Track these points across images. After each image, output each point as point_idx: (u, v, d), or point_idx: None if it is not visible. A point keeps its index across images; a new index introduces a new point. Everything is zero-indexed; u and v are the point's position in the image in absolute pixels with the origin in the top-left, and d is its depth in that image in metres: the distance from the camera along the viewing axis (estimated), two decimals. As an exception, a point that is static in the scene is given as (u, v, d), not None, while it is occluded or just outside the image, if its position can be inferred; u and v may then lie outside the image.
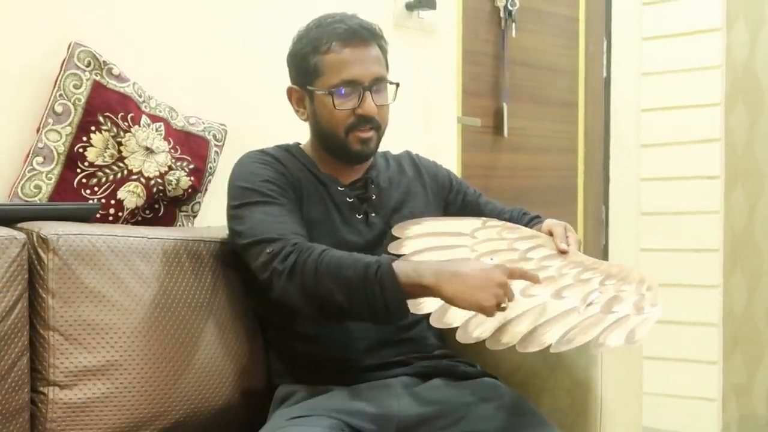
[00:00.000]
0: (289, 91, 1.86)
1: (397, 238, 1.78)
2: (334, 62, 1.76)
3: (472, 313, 1.57)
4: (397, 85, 1.83)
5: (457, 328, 1.59)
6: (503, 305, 1.51)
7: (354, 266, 1.55)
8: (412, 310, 1.58)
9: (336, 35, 1.76)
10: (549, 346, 1.55)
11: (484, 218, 1.90)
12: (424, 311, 1.62)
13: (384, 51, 1.83)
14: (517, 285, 1.59)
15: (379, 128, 1.81)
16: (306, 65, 1.79)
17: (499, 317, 1.58)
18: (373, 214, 1.83)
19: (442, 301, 1.55)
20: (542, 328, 1.57)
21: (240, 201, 1.74)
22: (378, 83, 1.78)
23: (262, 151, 1.83)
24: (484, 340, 1.57)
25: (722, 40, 3.49)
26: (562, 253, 1.80)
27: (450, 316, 1.60)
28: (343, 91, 1.76)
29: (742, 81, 3.58)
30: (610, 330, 1.58)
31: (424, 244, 1.76)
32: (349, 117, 1.77)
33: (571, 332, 1.57)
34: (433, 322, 1.61)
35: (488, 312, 1.50)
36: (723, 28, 3.49)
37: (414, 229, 1.81)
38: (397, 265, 1.54)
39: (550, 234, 1.87)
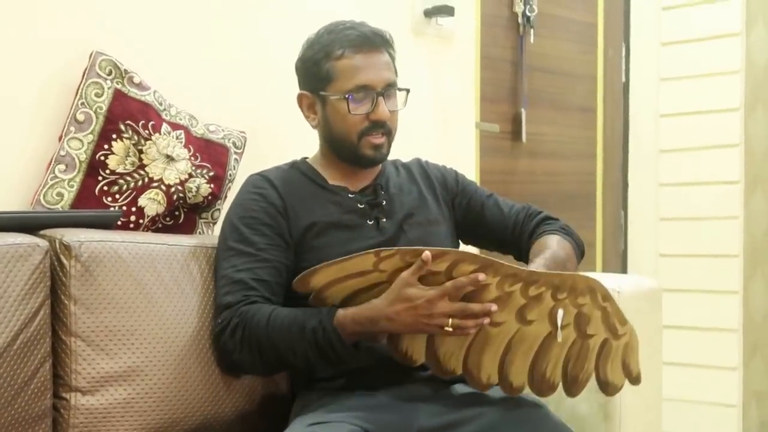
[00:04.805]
0: (300, 98, 1.88)
1: (307, 295, 1.65)
2: (348, 68, 1.78)
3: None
4: (408, 91, 1.85)
5: None
6: (446, 327, 1.54)
7: (299, 334, 1.63)
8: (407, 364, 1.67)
9: (348, 41, 1.78)
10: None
11: (374, 250, 1.58)
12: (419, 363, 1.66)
13: (393, 58, 1.85)
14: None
15: (390, 133, 1.83)
16: (318, 71, 1.81)
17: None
18: (384, 220, 1.84)
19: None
20: (539, 365, 1.64)
21: (223, 241, 1.80)
22: (389, 89, 1.81)
23: (262, 176, 1.85)
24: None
25: (741, 44, 3.48)
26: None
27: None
28: (357, 96, 1.77)
29: (762, 85, 3.56)
30: (603, 362, 1.64)
31: (342, 292, 1.63)
32: (362, 122, 1.79)
33: (569, 368, 1.64)
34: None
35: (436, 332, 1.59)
36: (742, 32, 3.47)
37: (316, 279, 1.62)
38: (341, 324, 1.60)
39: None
